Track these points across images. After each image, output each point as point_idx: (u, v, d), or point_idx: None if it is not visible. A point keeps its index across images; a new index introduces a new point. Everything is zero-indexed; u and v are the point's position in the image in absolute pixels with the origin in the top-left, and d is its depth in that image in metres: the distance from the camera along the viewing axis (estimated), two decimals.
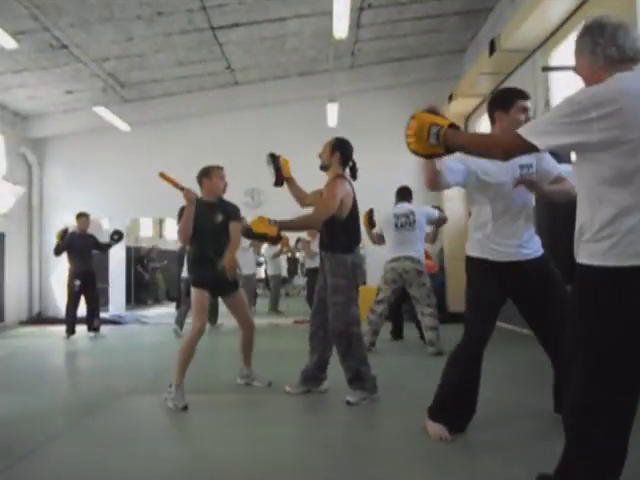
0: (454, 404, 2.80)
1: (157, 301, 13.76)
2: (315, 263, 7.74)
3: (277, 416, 3.46)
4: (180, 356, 3.72)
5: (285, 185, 4.06)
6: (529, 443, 2.69)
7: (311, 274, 8.03)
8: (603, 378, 1.64)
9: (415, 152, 1.98)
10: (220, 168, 4.08)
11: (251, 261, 8.24)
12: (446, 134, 1.89)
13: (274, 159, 4.01)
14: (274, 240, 3.55)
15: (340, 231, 3.67)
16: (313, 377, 3.88)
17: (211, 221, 3.91)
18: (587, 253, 1.69)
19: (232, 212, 4.02)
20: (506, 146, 1.82)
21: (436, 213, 5.71)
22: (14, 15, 6.16)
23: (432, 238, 5.95)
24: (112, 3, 6.29)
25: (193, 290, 3.82)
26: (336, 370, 3.75)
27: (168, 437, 3.04)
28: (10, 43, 5.79)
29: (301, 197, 4.07)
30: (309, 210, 3.80)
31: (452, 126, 1.92)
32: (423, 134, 1.90)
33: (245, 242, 7.36)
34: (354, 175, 3.92)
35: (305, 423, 3.36)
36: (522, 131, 1.74)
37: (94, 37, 7.08)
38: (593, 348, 1.66)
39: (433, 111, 1.99)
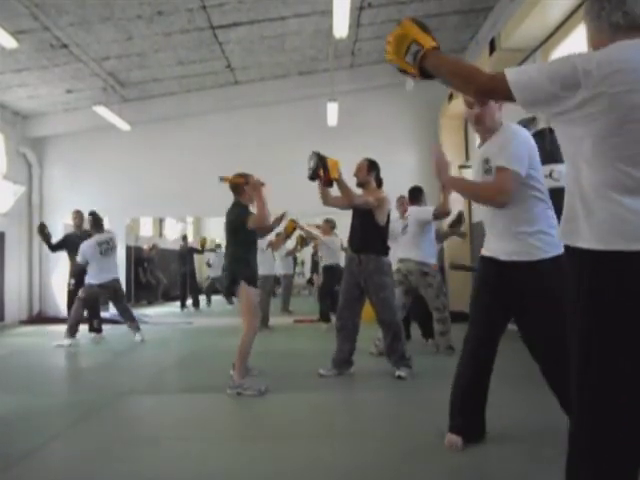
0: (459, 410, 2.68)
1: (157, 300, 13.75)
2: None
3: (278, 415, 3.47)
4: (244, 354, 3.96)
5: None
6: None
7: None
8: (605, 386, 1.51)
9: (390, 62, 1.79)
10: (253, 177, 4.27)
11: (269, 261, 8.09)
12: (424, 56, 1.70)
13: (322, 160, 4.16)
14: (327, 182, 4.16)
15: (380, 236, 4.34)
16: (345, 361, 4.44)
17: None
18: (573, 234, 1.58)
19: None
20: (486, 83, 1.61)
21: (426, 213, 5.27)
22: (14, 14, 6.16)
23: (442, 236, 5.67)
24: (112, 2, 6.29)
25: (248, 290, 3.97)
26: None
27: (168, 437, 3.04)
28: (10, 42, 5.78)
29: (327, 198, 4.43)
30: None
31: (435, 50, 1.72)
32: (402, 49, 1.72)
33: (262, 243, 7.29)
34: (379, 185, 4.48)
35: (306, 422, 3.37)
36: (509, 75, 1.56)
37: (94, 36, 7.08)
38: (591, 346, 1.53)
39: (423, 26, 1.76)
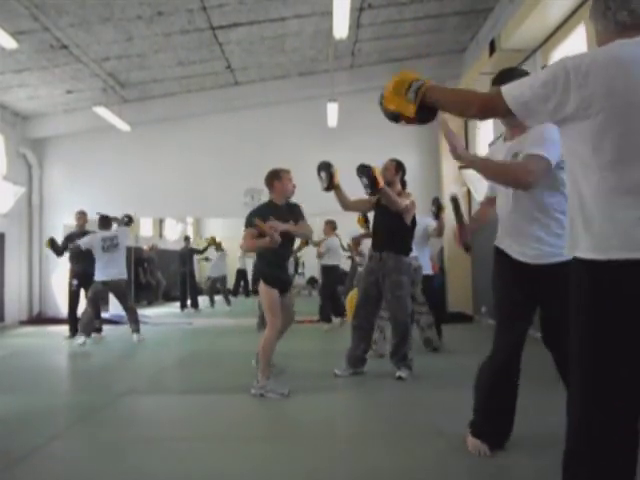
0: (488, 419, 2.59)
1: (157, 300, 13.73)
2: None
3: (278, 416, 3.47)
4: (266, 354, 3.90)
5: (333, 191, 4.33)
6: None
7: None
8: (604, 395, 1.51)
9: (385, 107, 1.82)
10: (288, 171, 4.21)
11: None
12: (426, 89, 1.75)
13: (329, 167, 4.21)
14: (375, 189, 4.13)
15: (404, 236, 4.41)
16: (361, 360, 4.48)
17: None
18: (573, 244, 1.57)
19: (298, 213, 4.16)
20: (484, 103, 1.66)
21: (432, 225, 5.72)
22: (14, 15, 6.16)
23: (438, 232, 5.83)
24: (112, 3, 6.29)
25: (266, 289, 3.93)
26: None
27: (168, 437, 3.04)
28: (10, 43, 5.78)
29: (346, 202, 4.46)
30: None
31: (434, 85, 1.79)
32: (402, 88, 1.77)
33: None
34: (403, 187, 4.58)
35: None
36: (505, 91, 1.61)
37: (94, 37, 7.08)
38: (590, 359, 1.52)
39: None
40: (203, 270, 15.30)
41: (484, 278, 8.63)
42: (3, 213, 9.09)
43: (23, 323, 9.40)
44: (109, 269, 6.78)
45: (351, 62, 9.16)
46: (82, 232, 7.29)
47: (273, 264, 4.05)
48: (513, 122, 2.50)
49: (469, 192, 9.15)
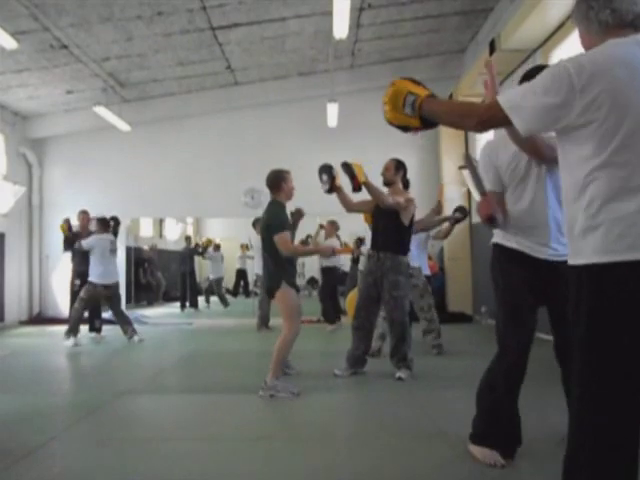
0: (499, 424, 2.48)
1: (157, 300, 13.73)
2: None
3: (277, 416, 3.46)
4: (281, 356, 3.88)
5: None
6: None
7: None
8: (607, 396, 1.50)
9: (390, 122, 1.82)
10: (289, 172, 4.19)
11: None
12: (421, 103, 1.71)
13: (330, 170, 4.17)
14: (355, 185, 4.10)
15: (402, 236, 4.37)
16: (361, 360, 4.48)
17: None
18: (575, 251, 1.55)
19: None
20: (483, 115, 1.62)
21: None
22: (14, 15, 6.17)
23: (444, 234, 5.99)
24: (112, 3, 6.29)
25: (288, 292, 3.89)
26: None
27: (168, 437, 3.04)
28: (10, 43, 5.78)
29: (349, 204, 4.45)
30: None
31: (430, 97, 1.73)
32: (399, 103, 1.74)
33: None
34: (406, 187, 4.57)
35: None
36: (503, 102, 1.55)
37: (94, 37, 7.08)
38: (598, 363, 1.50)
39: (414, 80, 1.80)
40: (203, 270, 15.31)
41: (484, 278, 8.63)
42: (3, 213, 9.08)
43: (23, 323, 9.39)
44: (112, 273, 6.78)
45: (351, 62, 9.16)
46: (88, 233, 7.22)
47: (292, 266, 4.08)
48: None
49: (469, 192, 9.15)
